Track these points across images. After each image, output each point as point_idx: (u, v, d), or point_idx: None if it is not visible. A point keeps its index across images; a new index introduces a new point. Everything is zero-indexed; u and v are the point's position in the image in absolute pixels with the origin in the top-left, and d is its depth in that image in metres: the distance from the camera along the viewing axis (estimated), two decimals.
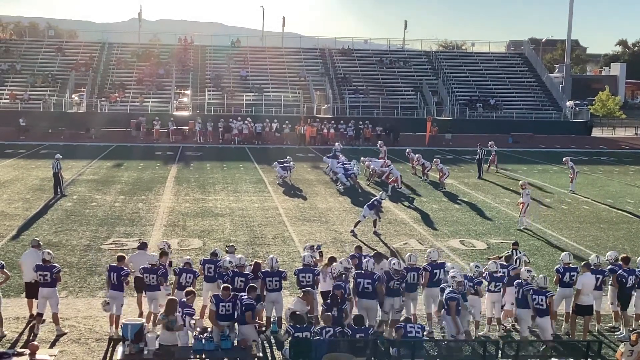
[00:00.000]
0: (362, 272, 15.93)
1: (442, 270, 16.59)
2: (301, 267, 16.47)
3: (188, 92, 70.97)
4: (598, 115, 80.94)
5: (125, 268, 16.17)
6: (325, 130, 59.25)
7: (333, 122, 62.20)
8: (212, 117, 61.75)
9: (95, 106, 65.74)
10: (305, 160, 46.82)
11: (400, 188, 34.94)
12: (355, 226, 26.04)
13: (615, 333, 16.69)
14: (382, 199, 27.11)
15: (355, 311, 15.47)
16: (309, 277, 16.17)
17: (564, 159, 37.80)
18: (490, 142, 43.93)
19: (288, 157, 39.22)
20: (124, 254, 16.96)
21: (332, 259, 16.95)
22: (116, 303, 15.87)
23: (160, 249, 17.11)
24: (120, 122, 61.79)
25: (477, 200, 33.37)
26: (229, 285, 15.03)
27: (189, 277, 16.03)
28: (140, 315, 16.34)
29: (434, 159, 38.84)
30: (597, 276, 16.61)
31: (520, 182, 30.15)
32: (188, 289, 14.98)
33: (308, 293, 15.34)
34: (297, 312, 14.14)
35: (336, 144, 43.82)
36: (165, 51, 79.70)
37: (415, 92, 73.97)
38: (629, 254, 22.78)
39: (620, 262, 17.11)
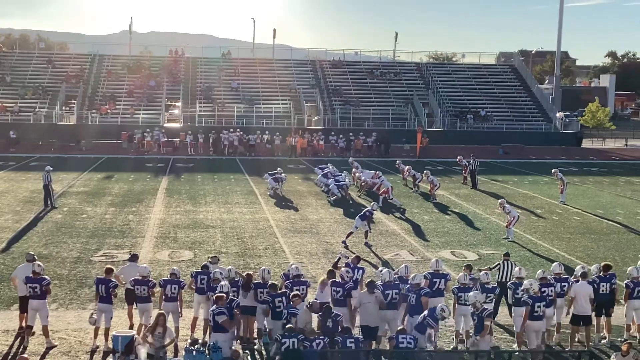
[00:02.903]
0: (387, 283, 15.88)
1: (442, 280, 16.67)
2: (292, 280, 16.38)
3: (179, 103, 70.92)
4: (588, 127, 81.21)
5: (113, 280, 16.09)
6: (316, 141, 59.27)
7: (321, 133, 62.08)
8: (203, 129, 61.71)
9: (86, 118, 65.61)
10: (296, 171, 46.82)
11: (392, 199, 34.95)
12: (347, 237, 26.05)
13: (602, 341, 16.71)
14: (374, 210, 27.17)
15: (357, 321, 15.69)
16: (302, 290, 16.15)
17: (553, 170, 37.87)
18: (471, 154, 43.34)
19: (279, 168, 39.21)
20: (112, 266, 16.87)
21: (331, 272, 16.91)
22: (105, 315, 15.79)
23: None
24: (111, 134, 61.66)
25: (468, 211, 33.42)
26: (223, 294, 14.84)
27: (174, 288, 15.96)
28: (131, 327, 16.27)
29: (425, 171, 38.95)
30: (595, 285, 16.67)
31: (499, 201, 29.27)
32: None
33: (314, 304, 15.31)
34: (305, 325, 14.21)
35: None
36: (156, 63, 79.67)
37: (405, 103, 74.08)
38: (619, 264, 23.00)
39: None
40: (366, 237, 26.25)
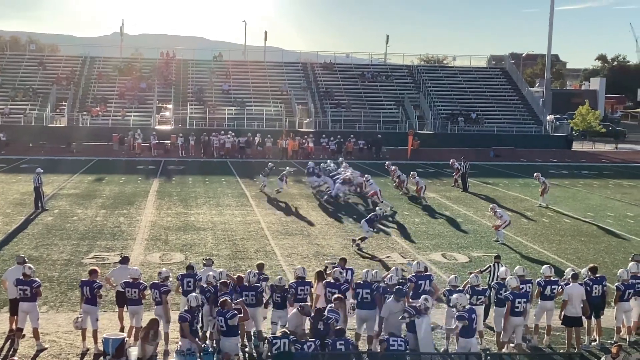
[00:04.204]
0: (362, 282, 16.10)
1: (427, 281, 16.76)
2: (297, 281, 16.40)
3: (170, 106, 70.81)
4: (578, 130, 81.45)
5: (97, 281, 16.03)
6: (307, 144, 59.29)
7: (312, 135, 62.13)
8: (194, 131, 61.67)
9: (77, 120, 65.46)
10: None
11: (382, 202, 34.98)
12: (362, 241, 26.08)
13: (592, 344, 16.77)
14: (381, 214, 27.68)
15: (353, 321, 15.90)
16: (307, 290, 16.22)
17: (535, 174, 37.72)
18: (462, 157, 43.37)
19: (270, 163, 40.10)
20: (96, 268, 16.80)
21: (320, 273, 16.95)
22: (91, 317, 15.75)
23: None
24: (102, 137, 61.55)
25: (458, 214, 33.47)
26: (227, 298, 14.94)
27: (156, 293, 15.93)
28: (122, 329, 16.24)
29: (411, 173, 39.05)
30: (588, 287, 16.74)
31: (491, 206, 29.47)
32: None
33: (306, 307, 15.32)
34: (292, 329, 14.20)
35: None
36: (147, 65, 79.57)
37: (397, 106, 74.15)
38: (609, 266, 23.12)
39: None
40: (360, 241, 26.23)
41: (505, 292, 16.02)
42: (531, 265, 23.67)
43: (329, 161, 43.65)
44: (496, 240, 27.51)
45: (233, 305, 14.60)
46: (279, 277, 16.83)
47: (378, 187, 36.01)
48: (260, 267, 17.43)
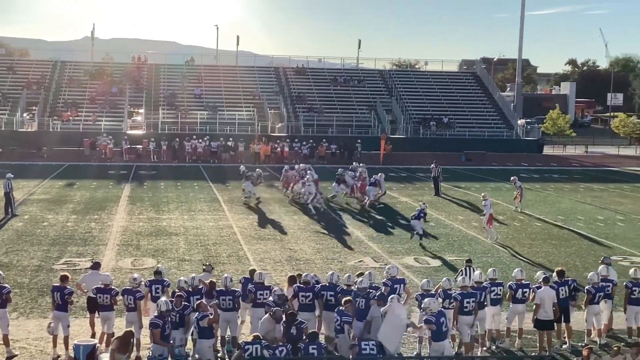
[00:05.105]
0: (327, 284, 16.19)
1: (402, 285, 16.83)
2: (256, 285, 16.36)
3: (142, 110, 70.55)
4: (549, 134, 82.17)
5: (68, 287, 15.88)
6: (279, 148, 59.26)
7: (288, 140, 62.12)
8: (166, 136, 61.43)
9: (47, 125, 64.96)
10: None
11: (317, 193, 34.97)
12: (420, 238, 27.75)
13: (563, 346, 16.89)
14: (424, 209, 28.82)
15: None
16: (266, 295, 16.15)
17: (512, 178, 37.79)
18: (434, 161, 43.34)
19: (257, 170, 39.79)
20: (67, 274, 16.66)
21: (292, 278, 16.93)
22: (62, 324, 15.61)
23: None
24: (73, 141, 61.09)
25: (431, 218, 33.54)
26: (182, 294, 15.17)
27: (130, 299, 15.82)
28: (93, 336, 16.11)
29: (379, 174, 38.89)
30: (561, 288, 16.86)
31: (482, 194, 30.61)
32: None
33: (277, 312, 15.27)
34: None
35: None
36: (118, 70, 79.22)
37: (369, 110, 74.40)
38: (579, 269, 23.35)
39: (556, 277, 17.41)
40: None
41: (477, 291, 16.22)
42: (502, 268, 23.79)
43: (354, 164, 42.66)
44: (494, 238, 28.42)
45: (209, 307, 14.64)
46: (258, 272, 16.95)
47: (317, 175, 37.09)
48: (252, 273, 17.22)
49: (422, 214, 28.24)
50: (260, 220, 32.29)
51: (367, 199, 36.51)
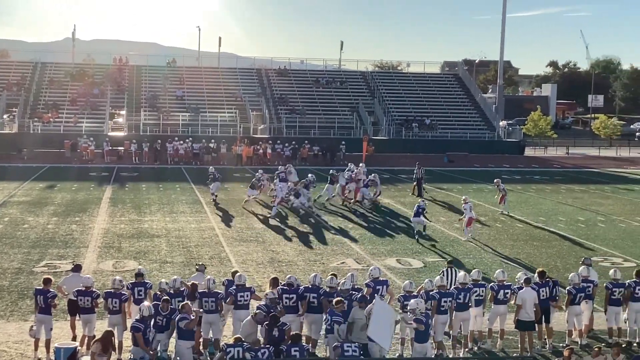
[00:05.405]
0: (309, 286, 16.17)
1: (385, 287, 16.88)
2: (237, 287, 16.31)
3: (123, 112, 70.29)
4: (530, 135, 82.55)
5: (51, 290, 15.80)
6: (261, 150, 59.17)
7: (271, 141, 62.04)
8: (147, 138, 61.20)
9: (28, 127, 64.56)
10: (242, 180, 46.65)
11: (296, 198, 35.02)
12: (419, 235, 28.93)
13: (545, 347, 16.95)
14: (423, 204, 29.99)
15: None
16: (247, 297, 16.15)
17: (495, 180, 37.79)
18: (417, 163, 43.25)
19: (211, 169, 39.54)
20: (50, 277, 16.57)
21: (275, 280, 16.91)
22: (45, 327, 15.51)
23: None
24: (54, 143, 60.76)
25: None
26: (169, 297, 15.19)
27: (115, 302, 15.74)
28: (74, 338, 16.01)
29: (373, 174, 38.99)
30: (542, 289, 16.91)
31: (463, 197, 30.99)
32: None
33: (259, 314, 15.23)
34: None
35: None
36: (99, 71, 78.88)
37: (351, 112, 74.49)
38: (560, 270, 23.44)
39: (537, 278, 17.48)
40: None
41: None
42: (485, 269, 23.86)
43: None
44: (468, 235, 28.95)
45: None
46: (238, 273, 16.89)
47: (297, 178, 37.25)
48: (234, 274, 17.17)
49: (420, 210, 29.33)
50: (242, 222, 32.22)
51: (360, 199, 37.07)
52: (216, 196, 37.43)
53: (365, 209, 36.26)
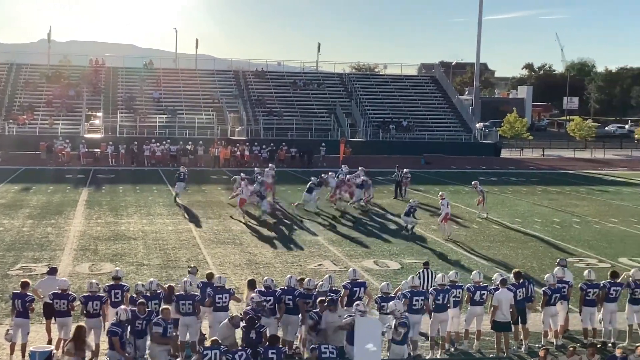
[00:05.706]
0: (285, 288, 16.22)
1: (362, 288, 16.87)
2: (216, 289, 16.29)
3: (100, 114, 69.94)
4: (506, 137, 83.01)
5: (29, 294, 15.69)
6: (239, 152, 59.08)
7: (248, 143, 61.94)
8: (124, 140, 60.92)
9: (3, 128, 64.06)
10: (219, 182, 46.59)
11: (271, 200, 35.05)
12: (409, 232, 30.14)
13: (521, 348, 17.04)
14: (414, 205, 30.97)
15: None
16: (225, 298, 16.13)
17: (473, 182, 37.38)
18: (397, 165, 43.31)
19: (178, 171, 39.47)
20: (27, 280, 16.45)
21: (252, 282, 16.90)
22: (22, 331, 15.40)
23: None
24: (29, 145, 60.34)
25: (390, 221, 33.73)
26: (144, 300, 15.11)
27: (96, 305, 15.66)
28: (49, 342, 15.91)
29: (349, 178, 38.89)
30: (518, 290, 17.00)
31: (440, 193, 31.77)
32: None
33: (235, 317, 15.20)
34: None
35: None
36: (75, 72, 78.43)
37: (329, 114, 74.55)
38: (536, 271, 23.61)
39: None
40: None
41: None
42: (461, 271, 23.96)
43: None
44: (447, 234, 29.78)
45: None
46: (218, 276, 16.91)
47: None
48: (210, 277, 17.15)
49: (411, 210, 30.29)
50: (219, 224, 32.15)
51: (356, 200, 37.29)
52: (178, 195, 37.91)
53: (350, 211, 36.14)
